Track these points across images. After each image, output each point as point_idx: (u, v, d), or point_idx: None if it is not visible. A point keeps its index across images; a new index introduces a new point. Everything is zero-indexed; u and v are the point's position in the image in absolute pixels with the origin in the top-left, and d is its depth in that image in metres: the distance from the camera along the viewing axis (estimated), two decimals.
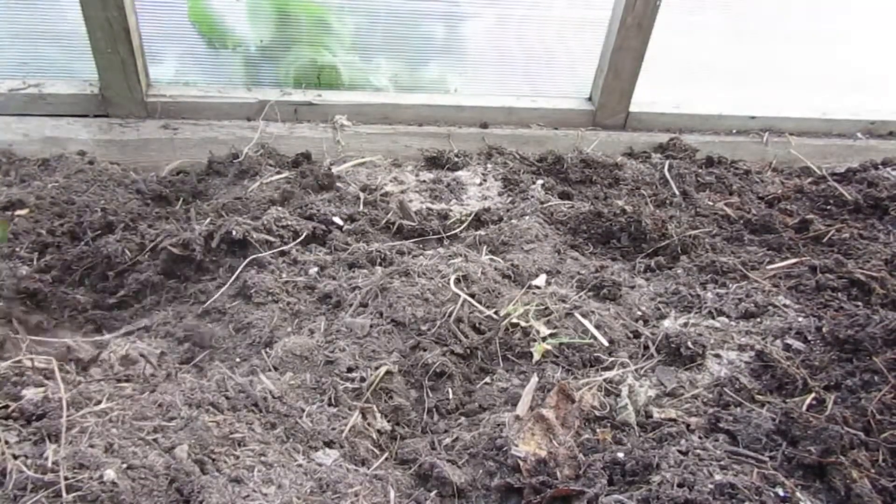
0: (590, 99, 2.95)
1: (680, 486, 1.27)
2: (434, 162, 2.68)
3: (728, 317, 1.90)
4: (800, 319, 1.87)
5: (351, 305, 1.78)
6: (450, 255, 1.98)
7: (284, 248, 2.00)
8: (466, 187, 2.54)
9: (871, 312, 1.79)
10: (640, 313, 1.91)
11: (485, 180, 2.59)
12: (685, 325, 1.87)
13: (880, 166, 2.87)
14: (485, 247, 2.14)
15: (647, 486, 1.28)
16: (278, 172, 2.40)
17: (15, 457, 1.18)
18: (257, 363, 1.59)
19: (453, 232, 2.26)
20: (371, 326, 1.70)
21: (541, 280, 1.97)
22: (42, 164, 2.35)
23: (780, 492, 1.28)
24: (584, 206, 2.41)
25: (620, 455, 1.37)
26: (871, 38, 3.18)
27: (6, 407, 1.31)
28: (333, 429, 1.42)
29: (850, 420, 1.45)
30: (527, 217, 2.29)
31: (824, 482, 1.36)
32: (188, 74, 2.66)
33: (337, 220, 2.17)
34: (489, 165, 2.66)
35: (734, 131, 3.05)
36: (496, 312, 1.79)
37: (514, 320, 1.75)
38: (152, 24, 2.49)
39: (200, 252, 1.90)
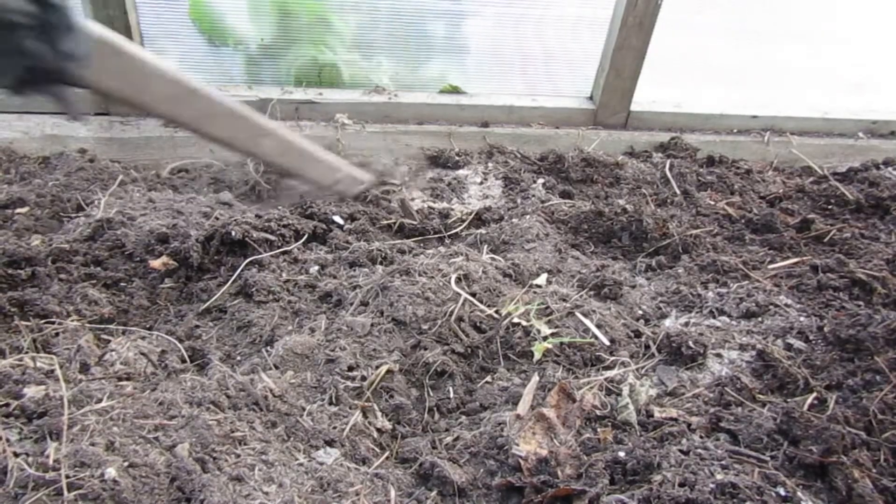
0: (591, 98, 2.94)
1: (681, 485, 1.26)
2: (435, 161, 2.68)
3: (729, 316, 1.90)
4: (801, 319, 1.86)
5: (352, 304, 1.78)
6: (451, 254, 1.98)
7: (286, 248, 2.00)
8: (467, 186, 2.54)
9: (873, 312, 1.78)
10: (641, 312, 1.91)
11: (486, 179, 2.59)
12: (686, 324, 1.87)
13: (882, 166, 2.87)
14: (486, 246, 2.14)
15: (648, 486, 1.28)
16: None
17: (16, 455, 1.18)
18: (258, 362, 1.58)
19: (454, 231, 2.26)
20: (372, 325, 1.69)
21: (542, 279, 1.97)
22: (42, 162, 2.35)
23: (782, 491, 1.28)
24: (585, 206, 2.41)
25: (622, 454, 1.37)
26: (873, 38, 3.18)
27: (7, 405, 1.31)
28: (334, 427, 1.42)
29: (852, 420, 1.45)
30: (528, 216, 2.29)
31: (826, 482, 1.35)
32: (189, 72, 2.65)
33: (338, 219, 2.16)
34: (490, 164, 2.66)
35: (735, 131, 3.05)
36: (497, 311, 1.78)
37: (515, 319, 1.75)
38: (153, 22, 2.49)
39: (198, 256, 1.90)
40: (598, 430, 1.47)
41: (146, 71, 1.25)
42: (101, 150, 2.42)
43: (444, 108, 2.78)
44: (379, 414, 1.51)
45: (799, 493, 1.29)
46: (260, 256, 1.94)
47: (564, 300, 1.84)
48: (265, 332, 1.71)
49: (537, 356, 1.67)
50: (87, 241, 1.92)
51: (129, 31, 2.33)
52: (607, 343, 1.72)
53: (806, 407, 1.50)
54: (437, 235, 2.23)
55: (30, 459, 1.17)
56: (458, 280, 1.83)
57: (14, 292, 1.68)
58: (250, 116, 1.48)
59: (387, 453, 1.45)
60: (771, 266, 2.15)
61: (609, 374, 1.62)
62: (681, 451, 1.36)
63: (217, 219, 2.00)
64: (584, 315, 1.78)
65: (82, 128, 2.45)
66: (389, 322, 1.71)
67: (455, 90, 2.84)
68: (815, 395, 1.55)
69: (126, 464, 1.20)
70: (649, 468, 1.33)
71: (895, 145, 3.12)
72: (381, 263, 1.96)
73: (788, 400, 1.55)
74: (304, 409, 1.44)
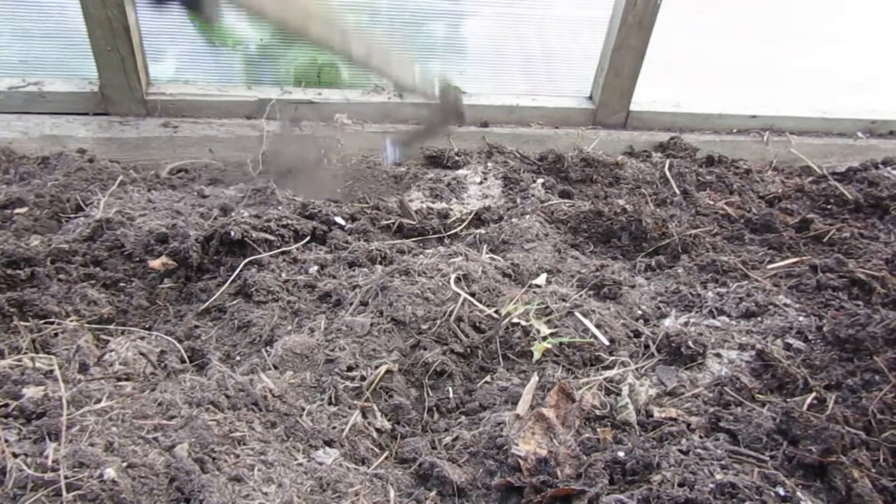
0: (590, 98, 2.94)
1: (680, 485, 1.26)
2: (434, 160, 2.68)
3: (729, 316, 1.90)
4: (800, 319, 1.86)
5: (351, 304, 1.78)
6: (450, 254, 1.98)
7: (286, 248, 1.99)
8: (467, 186, 2.53)
9: (872, 312, 1.78)
10: (640, 312, 1.91)
11: (485, 179, 2.59)
12: (686, 324, 1.87)
13: (881, 165, 2.87)
14: (485, 246, 2.14)
15: (647, 486, 1.28)
16: None
17: (15, 455, 1.18)
18: (257, 362, 1.58)
19: (454, 231, 2.26)
20: (371, 325, 1.69)
21: (541, 279, 1.97)
22: (42, 163, 2.35)
23: (781, 491, 1.28)
24: (584, 205, 2.41)
25: (621, 454, 1.37)
26: (873, 38, 3.18)
27: (6, 405, 1.31)
28: (333, 428, 1.42)
29: (851, 419, 1.45)
30: (527, 216, 2.29)
31: (825, 482, 1.35)
32: (188, 72, 2.66)
33: (339, 220, 2.16)
34: (489, 164, 2.66)
35: (735, 130, 3.05)
36: (496, 311, 1.78)
37: (515, 319, 1.74)
38: (152, 22, 2.48)
39: (197, 256, 1.90)
40: (598, 430, 1.47)
41: None
42: (100, 151, 2.42)
43: None
44: (378, 414, 1.51)
45: (798, 493, 1.29)
46: (259, 256, 1.94)
47: (564, 300, 1.84)
48: (264, 332, 1.71)
49: (537, 356, 1.67)
50: (87, 242, 1.92)
51: (128, 30, 2.33)
52: (607, 343, 1.72)
53: (805, 407, 1.50)
54: (436, 235, 2.23)
55: (28, 460, 1.17)
56: (458, 280, 1.83)
57: (13, 292, 1.68)
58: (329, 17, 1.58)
59: (386, 453, 1.45)
60: (770, 266, 2.15)
61: (608, 373, 1.62)
62: (680, 450, 1.36)
63: (216, 219, 2.00)
64: (584, 315, 1.78)
65: (82, 128, 2.45)
66: (389, 322, 1.71)
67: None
68: (814, 394, 1.55)
69: (125, 464, 1.19)
70: (649, 468, 1.33)
71: (894, 145, 3.12)
72: (380, 263, 1.96)
73: (788, 400, 1.55)
74: (303, 410, 1.44)
